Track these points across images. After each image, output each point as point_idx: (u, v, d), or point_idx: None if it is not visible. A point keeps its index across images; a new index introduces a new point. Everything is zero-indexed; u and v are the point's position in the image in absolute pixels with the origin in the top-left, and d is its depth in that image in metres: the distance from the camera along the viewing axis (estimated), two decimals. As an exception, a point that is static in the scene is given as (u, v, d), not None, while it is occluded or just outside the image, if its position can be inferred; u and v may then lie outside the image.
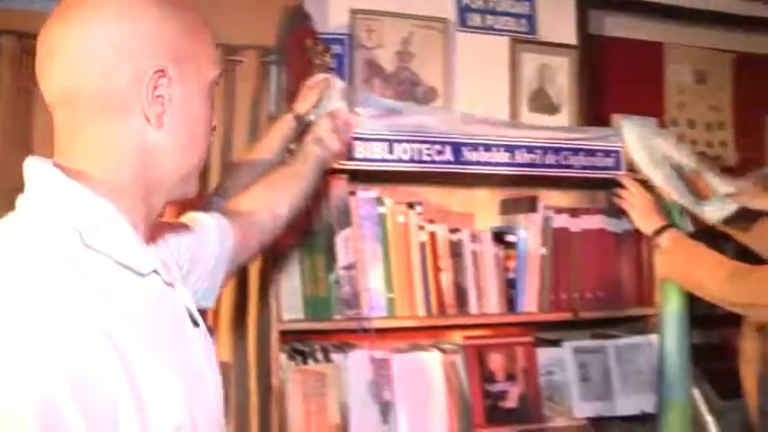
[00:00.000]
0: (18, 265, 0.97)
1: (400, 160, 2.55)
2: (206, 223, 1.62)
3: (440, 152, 2.59)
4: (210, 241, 1.60)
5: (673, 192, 2.75)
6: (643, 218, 2.73)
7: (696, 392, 2.93)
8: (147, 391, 1.01)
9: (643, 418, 2.89)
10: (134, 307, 1.06)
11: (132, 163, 1.12)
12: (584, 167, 2.80)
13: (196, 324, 1.23)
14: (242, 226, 1.72)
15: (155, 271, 1.14)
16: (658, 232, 2.68)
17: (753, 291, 2.47)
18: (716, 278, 2.53)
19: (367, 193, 2.59)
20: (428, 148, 2.58)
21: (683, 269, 2.65)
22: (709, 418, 2.89)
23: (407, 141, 2.57)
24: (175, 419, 1.05)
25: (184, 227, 1.54)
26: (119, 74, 1.08)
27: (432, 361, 2.70)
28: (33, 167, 1.09)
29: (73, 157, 1.10)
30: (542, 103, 3.32)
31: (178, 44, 1.13)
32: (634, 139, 2.81)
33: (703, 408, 2.95)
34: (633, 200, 2.75)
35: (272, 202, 1.86)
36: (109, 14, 1.08)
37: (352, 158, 2.48)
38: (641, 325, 2.99)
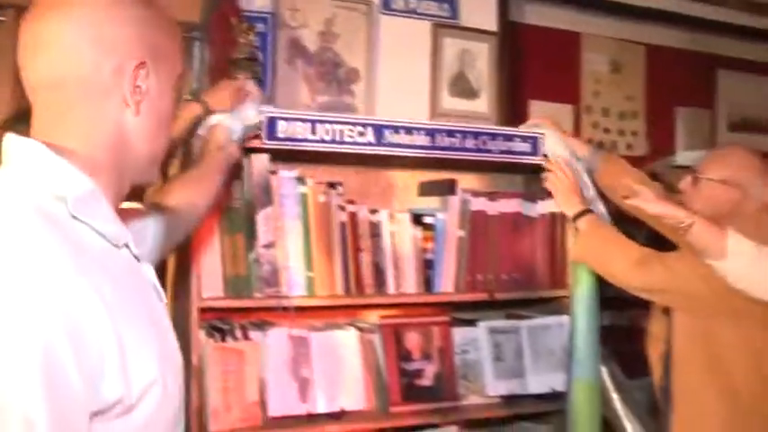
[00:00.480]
0: (10, 222, 1.06)
1: (322, 141, 2.57)
2: (144, 217, 1.74)
3: (361, 134, 2.62)
4: (147, 235, 1.73)
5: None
6: (566, 200, 2.84)
7: (604, 371, 3.04)
8: (128, 346, 1.09)
9: (553, 396, 2.98)
10: (113, 272, 1.15)
11: (111, 144, 1.23)
12: (502, 152, 2.86)
13: (161, 299, 1.33)
14: (167, 222, 1.84)
15: (126, 245, 1.24)
16: (578, 216, 2.78)
17: (656, 277, 2.58)
18: (623, 264, 2.64)
19: (288, 173, 2.60)
20: (350, 130, 2.61)
21: (596, 253, 2.76)
22: (615, 396, 3.00)
23: (330, 122, 2.59)
24: (150, 376, 1.13)
25: (136, 215, 1.62)
26: (105, 65, 1.20)
27: (349, 339, 2.74)
28: (17, 142, 1.18)
29: (56, 136, 1.19)
30: (462, 87, 3.38)
31: (157, 42, 1.26)
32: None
33: (610, 386, 3.05)
34: (557, 182, 2.84)
35: (191, 198, 2.01)
36: (96, 11, 1.20)
37: (274, 138, 2.49)
38: (554, 306, 3.08)
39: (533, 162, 2.92)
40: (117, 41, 1.20)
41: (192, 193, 2.03)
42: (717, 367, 2.53)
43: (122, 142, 1.24)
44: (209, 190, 2.10)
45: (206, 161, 2.19)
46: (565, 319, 3.00)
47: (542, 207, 2.98)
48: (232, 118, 2.33)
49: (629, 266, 2.63)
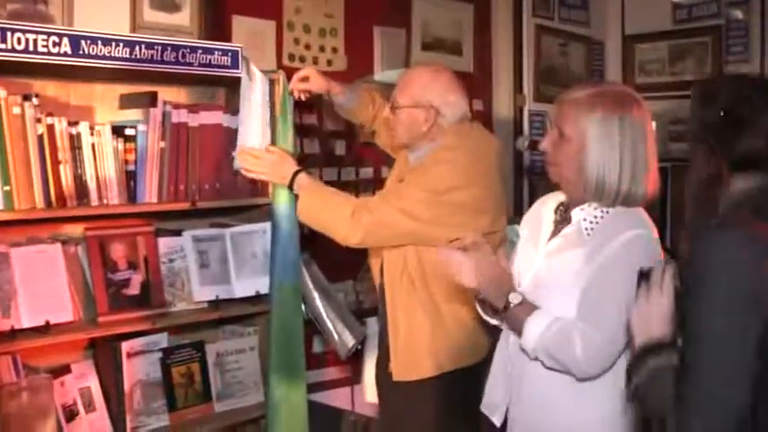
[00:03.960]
0: None
1: (14, 50, 2.50)
2: None
3: (56, 44, 2.58)
4: None
5: None
6: (275, 172, 2.86)
7: (306, 275, 3.24)
8: None
9: (258, 298, 3.15)
10: None
11: None
12: (202, 65, 2.93)
13: None
14: None
15: None
16: (292, 180, 2.83)
17: (370, 228, 2.71)
18: (340, 219, 2.72)
19: (-22, 84, 2.52)
20: (44, 39, 2.55)
21: (314, 213, 2.82)
22: (316, 294, 3.21)
23: (22, 31, 2.52)
24: None
25: None
26: None
27: (53, 253, 2.73)
28: None
29: None
30: (164, 1, 3.37)
31: None
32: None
33: (312, 288, 3.26)
34: (259, 162, 2.85)
35: None
36: None
37: (-40, 47, 2.40)
38: (256, 214, 3.22)
39: (234, 75, 3.01)
40: None
41: None
42: (421, 285, 2.78)
43: None
44: None
45: None
46: (267, 225, 3.15)
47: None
48: None
49: (346, 220, 2.71)
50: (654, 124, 2.22)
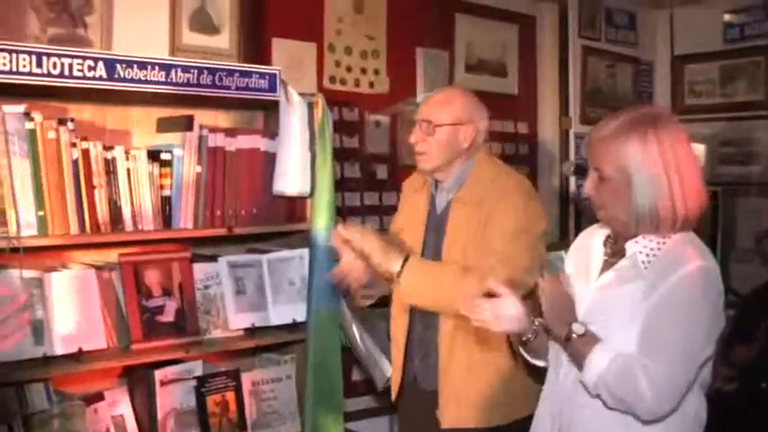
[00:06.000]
0: None
1: (49, 74, 2.48)
2: None
3: (92, 68, 2.55)
4: None
5: None
6: (384, 257, 2.60)
7: (343, 301, 3.18)
8: None
9: (294, 326, 3.09)
10: None
11: None
12: (240, 88, 2.89)
13: None
14: None
15: None
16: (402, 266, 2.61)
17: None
18: (465, 285, 2.49)
19: (14, 108, 2.49)
20: (80, 64, 2.53)
21: (425, 293, 2.62)
22: (353, 325, 3.15)
23: (57, 56, 2.50)
24: None
25: None
26: None
27: (87, 279, 2.69)
28: None
29: None
30: (203, 23, 3.35)
31: None
32: None
33: (349, 314, 3.20)
34: (366, 243, 2.62)
35: None
36: None
37: (-6, 71, 2.38)
38: (293, 240, 3.17)
39: (272, 98, 2.97)
40: None
41: None
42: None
43: None
44: None
45: None
46: (304, 252, 3.10)
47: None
48: None
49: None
50: (703, 147, 2.12)
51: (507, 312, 2.11)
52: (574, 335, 2.01)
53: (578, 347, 2.01)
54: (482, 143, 2.78)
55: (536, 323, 2.14)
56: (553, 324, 2.07)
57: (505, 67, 4.80)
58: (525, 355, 2.27)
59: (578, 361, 2.02)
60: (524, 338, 2.18)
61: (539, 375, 2.32)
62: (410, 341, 2.81)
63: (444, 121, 2.71)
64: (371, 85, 4.12)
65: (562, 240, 4.13)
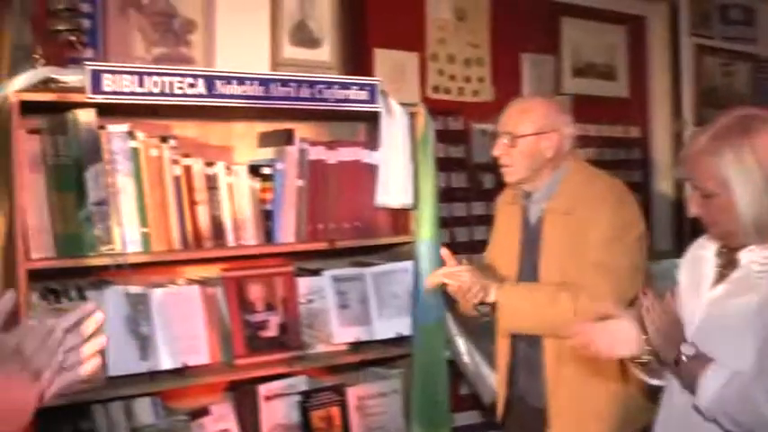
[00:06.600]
0: None
1: (151, 93, 2.51)
2: None
3: (191, 85, 2.57)
4: None
5: None
6: (481, 290, 2.55)
7: (448, 315, 3.11)
8: None
9: (400, 340, 3.04)
10: None
11: None
12: (339, 101, 2.86)
13: None
14: None
15: None
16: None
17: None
18: (565, 308, 2.45)
19: (118, 128, 2.53)
20: (180, 81, 2.55)
21: (529, 320, 2.57)
22: (459, 339, 3.08)
23: (158, 74, 2.53)
24: None
25: None
26: None
27: (190, 294, 2.71)
28: None
29: None
30: (304, 36, 3.35)
31: None
32: None
33: (455, 329, 3.14)
34: (458, 278, 2.56)
35: None
36: None
37: (99, 91, 2.42)
38: (397, 252, 3.12)
39: (372, 110, 2.93)
40: None
41: None
42: None
43: None
44: None
45: None
46: (409, 264, 3.05)
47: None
48: None
49: (571, 305, 2.45)
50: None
51: (620, 336, 2.01)
52: (683, 357, 1.89)
53: (689, 370, 1.88)
54: (570, 150, 2.68)
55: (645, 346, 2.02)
56: (660, 346, 1.95)
57: (615, 69, 4.65)
58: (641, 375, 2.15)
59: (690, 385, 1.89)
60: (638, 361, 2.07)
61: (653, 393, 2.20)
62: (515, 358, 2.73)
63: (525, 131, 2.62)
64: (476, 93, 4.05)
65: (677, 249, 3.96)
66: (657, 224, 4.67)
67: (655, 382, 2.11)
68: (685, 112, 4.87)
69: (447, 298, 2.82)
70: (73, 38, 2.55)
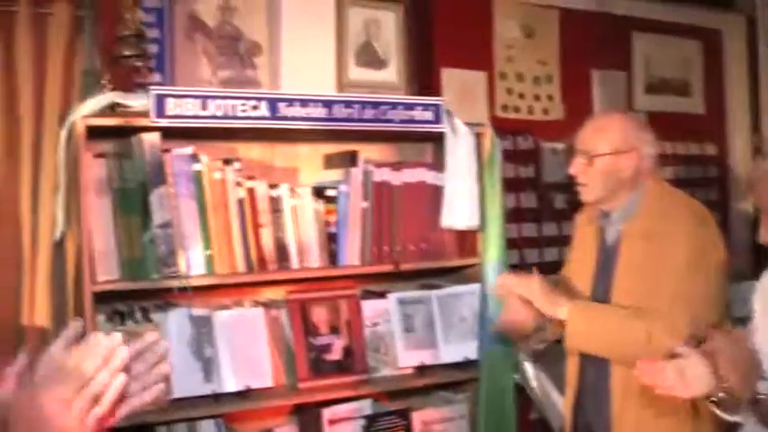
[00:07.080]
0: None
1: (214, 117, 2.52)
2: None
3: (255, 107, 2.57)
4: None
5: None
6: (548, 302, 2.47)
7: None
8: None
9: (466, 364, 2.98)
10: None
11: None
12: (404, 121, 2.83)
13: None
14: None
15: None
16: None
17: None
18: (638, 337, 2.35)
19: (181, 151, 2.55)
20: (243, 104, 2.56)
21: (598, 341, 2.48)
22: (528, 364, 3.01)
23: (222, 98, 2.54)
24: None
25: None
26: None
27: (254, 317, 2.70)
28: None
29: None
30: (369, 57, 3.34)
31: None
32: None
33: (523, 354, 3.06)
34: (528, 290, 2.49)
35: None
36: None
37: (163, 115, 2.44)
38: (464, 274, 3.07)
39: (437, 130, 2.90)
40: None
41: None
42: None
43: None
44: None
45: None
46: (476, 287, 3.00)
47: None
48: None
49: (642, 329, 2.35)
50: None
51: (691, 374, 1.90)
52: (761, 396, 1.79)
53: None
54: (650, 169, 2.58)
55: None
56: (735, 384, 1.85)
57: (689, 85, 4.53)
58: (717, 412, 2.04)
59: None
60: (713, 399, 1.97)
61: (731, 429, 2.09)
62: (583, 383, 2.64)
63: (603, 150, 2.52)
64: (546, 111, 3.99)
65: (757, 269, 3.83)
66: (736, 244, 4.51)
67: (733, 418, 2.01)
68: (764, 128, 4.71)
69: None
70: (139, 63, 2.58)
